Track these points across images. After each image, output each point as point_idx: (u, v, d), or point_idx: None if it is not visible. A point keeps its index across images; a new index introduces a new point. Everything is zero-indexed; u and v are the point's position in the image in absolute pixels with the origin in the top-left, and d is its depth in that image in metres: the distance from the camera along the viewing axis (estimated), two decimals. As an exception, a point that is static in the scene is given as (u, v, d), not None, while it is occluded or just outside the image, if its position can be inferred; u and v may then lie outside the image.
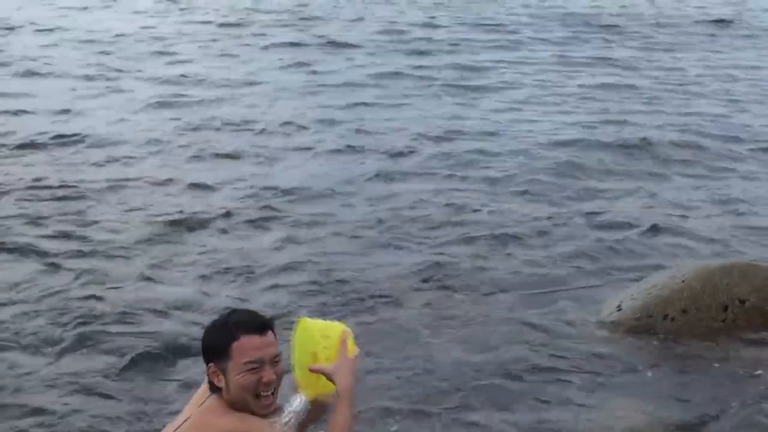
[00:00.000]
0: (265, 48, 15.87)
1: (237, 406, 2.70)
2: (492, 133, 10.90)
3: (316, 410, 3.01)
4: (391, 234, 7.53)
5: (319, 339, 2.82)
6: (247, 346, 2.68)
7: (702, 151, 10.19)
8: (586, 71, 14.52)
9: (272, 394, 2.75)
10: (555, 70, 14.60)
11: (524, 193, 8.80)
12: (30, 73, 13.25)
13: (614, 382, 4.72)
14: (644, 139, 10.67)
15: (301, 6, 21.06)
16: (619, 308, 5.40)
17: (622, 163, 9.78)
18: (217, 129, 10.75)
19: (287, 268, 6.46)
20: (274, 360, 2.75)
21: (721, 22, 19.65)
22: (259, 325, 2.78)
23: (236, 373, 2.66)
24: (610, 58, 15.45)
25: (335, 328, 2.85)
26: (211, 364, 2.74)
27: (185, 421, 2.77)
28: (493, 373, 4.89)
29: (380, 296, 6.14)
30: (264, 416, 2.74)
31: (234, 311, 2.94)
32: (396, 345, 5.13)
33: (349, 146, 10.07)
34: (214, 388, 2.73)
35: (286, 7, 20.86)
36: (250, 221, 7.61)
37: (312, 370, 2.76)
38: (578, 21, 19.56)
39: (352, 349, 2.82)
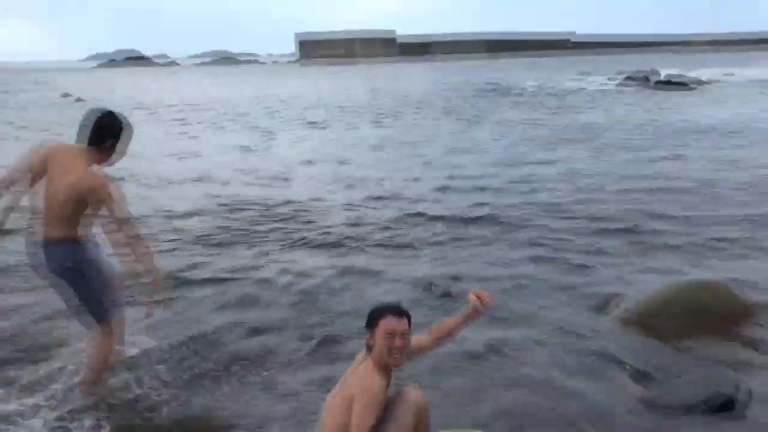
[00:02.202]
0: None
1: (378, 359, 3.63)
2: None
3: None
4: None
5: None
6: (387, 323, 3.63)
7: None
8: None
9: (401, 354, 3.65)
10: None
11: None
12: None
13: (611, 357, 5.45)
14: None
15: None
16: (622, 307, 6.26)
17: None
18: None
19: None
20: (404, 334, 3.65)
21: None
22: (398, 312, 3.70)
23: (379, 338, 3.61)
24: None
25: None
26: (368, 331, 3.69)
27: (357, 367, 3.74)
28: (522, 351, 5.60)
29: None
30: (395, 366, 3.70)
31: (389, 303, 3.85)
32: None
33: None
34: (368, 348, 3.68)
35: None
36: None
37: None
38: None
39: None
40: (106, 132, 4.74)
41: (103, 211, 4.66)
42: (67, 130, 24.98)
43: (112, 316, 4.95)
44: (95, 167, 4.69)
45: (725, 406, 4.73)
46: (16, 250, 7.29)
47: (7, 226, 4.85)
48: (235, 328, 6.27)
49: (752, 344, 5.69)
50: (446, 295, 7.00)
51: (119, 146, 4.82)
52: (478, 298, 4.10)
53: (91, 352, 5.00)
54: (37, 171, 4.73)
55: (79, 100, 43.41)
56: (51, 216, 4.67)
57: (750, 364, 5.35)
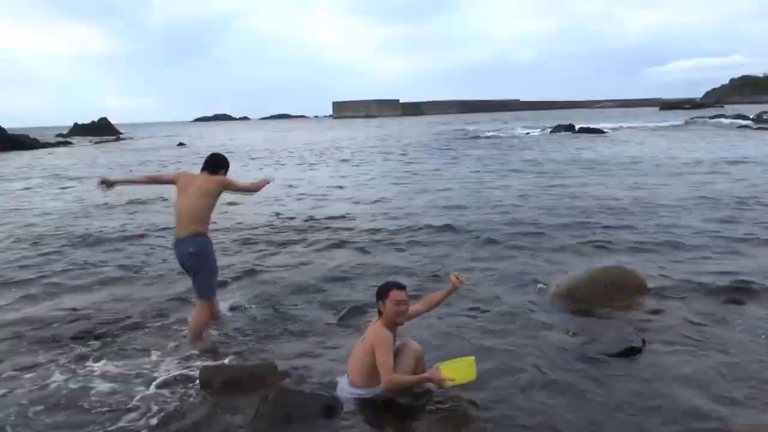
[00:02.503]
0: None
1: (388, 320, 3.75)
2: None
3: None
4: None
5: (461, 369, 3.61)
6: (394, 294, 3.80)
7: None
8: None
9: (402, 315, 3.81)
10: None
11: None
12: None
13: (550, 321, 5.33)
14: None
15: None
16: (557, 286, 6.11)
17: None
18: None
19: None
20: (404, 302, 3.80)
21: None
22: (401, 286, 3.86)
23: (388, 305, 3.78)
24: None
25: (467, 373, 3.60)
26: (379, 301, 3.81)
27: (372, 326, 3.84)
28: (483, 317, 5.47)
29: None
30: (398, 324, 3.78)
31: (394, 281, 4.01)
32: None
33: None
34: (380, 313, 3.85)
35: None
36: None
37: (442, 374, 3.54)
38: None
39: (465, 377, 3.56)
40: (219, 164, 5.05)
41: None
42: (173, 161, 25.40)
43: (212, 294, 5.00)
44: None
45: (633, 352, 4.67)
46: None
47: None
48: (291, 301, 6.28)
49: (648, 310, 5.63)
50: (434, 276, 6.95)
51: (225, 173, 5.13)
52: (458, 278, 4.06)
53: (194, 318, 5.07)
54: (163, 182, 5.31)
55: (180, 144, 43.96)
56: (182, 220, 4.87)
57: (646, 322, 5.31)
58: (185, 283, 5.71)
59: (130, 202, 13.48)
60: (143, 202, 13.51)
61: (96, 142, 49.20)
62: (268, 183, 5.40)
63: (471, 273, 6.72)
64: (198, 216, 4.82)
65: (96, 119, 63.96)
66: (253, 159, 28.01)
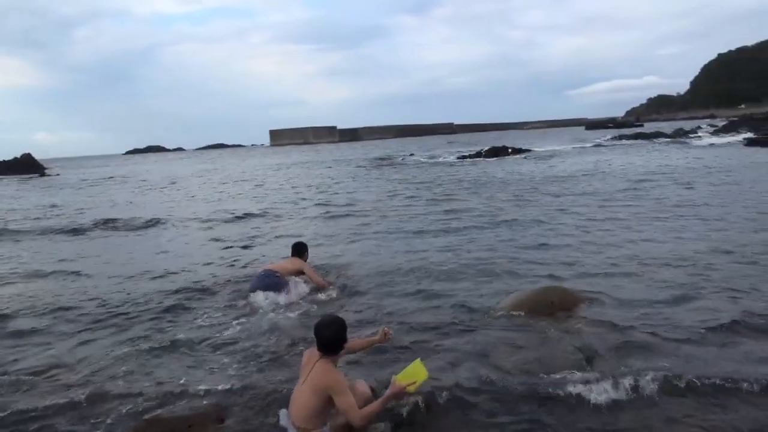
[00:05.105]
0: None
1: (335, 360, 3.70)
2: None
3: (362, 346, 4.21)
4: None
5: (414, 373, 3.64)
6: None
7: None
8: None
9: None
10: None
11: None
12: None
13: (496, 336, 5.44)
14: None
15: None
16: (501, 306, 6.21)
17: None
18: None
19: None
20: None
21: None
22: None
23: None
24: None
25: (420, 373, 3.65)
26: (339, 346, 3.66)
27: (314, 366, 3.61)
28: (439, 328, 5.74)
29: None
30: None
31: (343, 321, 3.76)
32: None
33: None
34: (330, 353, 3.59)
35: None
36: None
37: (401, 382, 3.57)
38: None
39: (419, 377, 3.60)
40: (302, 248, 7.60)
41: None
42: (100, 196, 24.16)
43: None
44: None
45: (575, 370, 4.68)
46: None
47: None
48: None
49: (584, 322, 5.76)
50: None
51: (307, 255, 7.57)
52: (386, 335, 4.17)
53: None
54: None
55: (111, 177, 42.41)
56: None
57: (582, 332, 5.45)
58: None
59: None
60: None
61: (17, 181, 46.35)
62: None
63: (415, 298, 6.79)
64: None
65: (19, 155, 60.04)
66: (172, 185, 26.89)
